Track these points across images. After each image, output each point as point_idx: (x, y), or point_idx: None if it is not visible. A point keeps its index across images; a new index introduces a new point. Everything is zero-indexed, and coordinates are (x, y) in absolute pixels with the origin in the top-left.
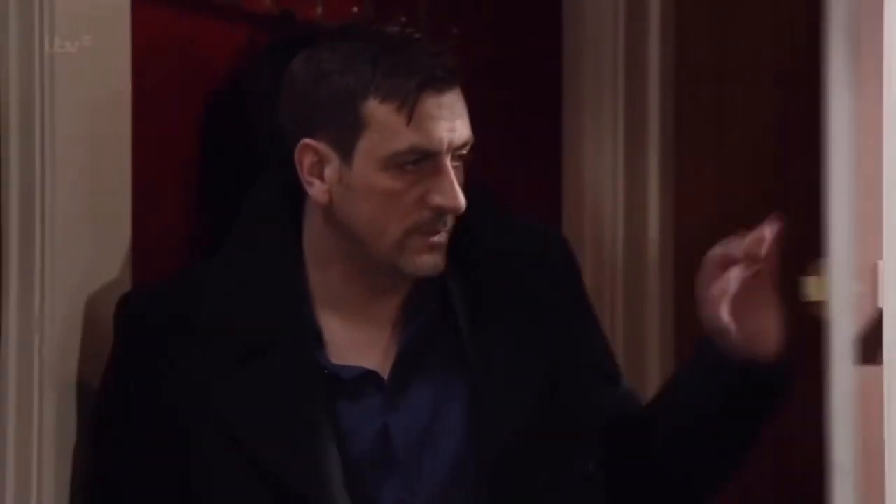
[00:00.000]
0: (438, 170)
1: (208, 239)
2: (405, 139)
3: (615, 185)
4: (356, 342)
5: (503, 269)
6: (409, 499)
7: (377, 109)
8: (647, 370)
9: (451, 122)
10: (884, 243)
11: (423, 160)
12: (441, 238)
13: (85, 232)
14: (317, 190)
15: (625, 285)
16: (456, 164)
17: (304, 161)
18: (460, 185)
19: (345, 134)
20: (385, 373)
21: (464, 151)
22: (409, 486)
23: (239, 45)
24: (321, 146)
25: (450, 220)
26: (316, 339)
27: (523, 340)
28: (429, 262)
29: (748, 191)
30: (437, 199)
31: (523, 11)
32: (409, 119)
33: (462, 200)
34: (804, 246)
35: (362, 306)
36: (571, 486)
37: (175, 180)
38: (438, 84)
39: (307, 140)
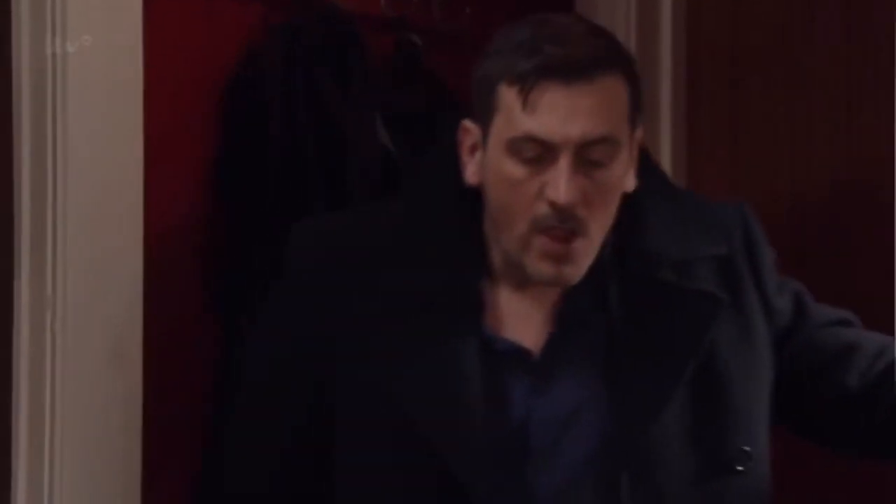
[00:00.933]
0: (555, 162)
1: (222, 226)
2: (521, 125)
3: None
4: (514, 316)
5: (665, 250)
6: (536, 489)
7: (506, 92)
8: None
9: (573, 114)
10: None
11: (545, 151)
12: (557, 245)
13: (97, 220)
14: (469, 170)
15: None
16: (585, 165)
17: (464, 141)
18: (591, 187)
19: (485, 116)
20: (537, 350)
21: (595, 151)
22: (540, 477)
23: (253, 26)
24: (474, 128)
25: (578, 224)
26: (478, 307)
27: (674, 329)
28: (547, 270)
29: (763, 167)
30: (549, 192)
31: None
32: (524, 104)
33: (569, 196)
34: None
35: (526, 281)
36: (719, 475)
37: (188, 168)
38: (564, 72)
39: (465, 121)
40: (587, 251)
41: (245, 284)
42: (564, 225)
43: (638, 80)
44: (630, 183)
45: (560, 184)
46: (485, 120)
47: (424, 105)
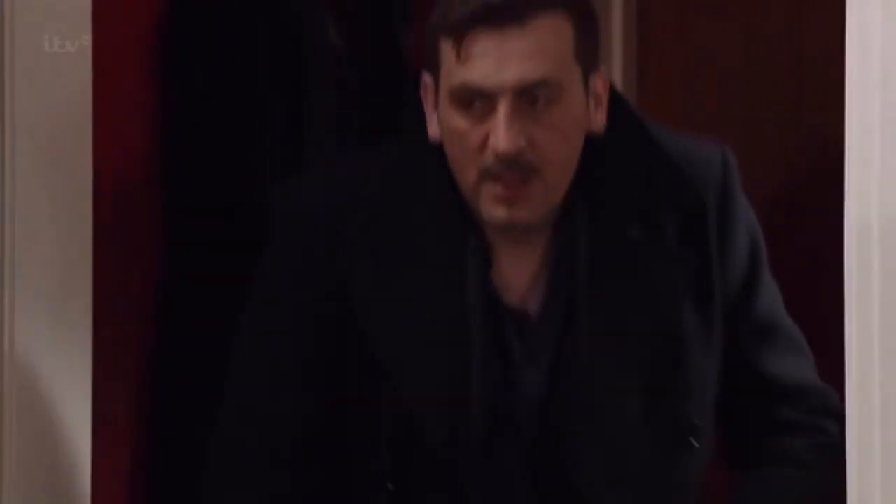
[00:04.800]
0: (494, 110)
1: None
2: (458, 75)
3: None
4: (508, 267)
5: (632, 202)
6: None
7: (444, 44)
8: None
9: (506, 60)
10: None
11: (484, 100)
12: (511, 190)
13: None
14: (431, 125)
15: None
16: (529, 109)
17: (425, 95)
18: (538, 130)
19: (433, 69)
20: (529, 306)
21: (536, 94)
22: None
23: None
24: (430, 82)
25: (530, 168)
26: (484, 258)
27: (638, 298)
28: (500, 213)
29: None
30: (490, 141)
31: None
32: (458, 54)
33: (509, 144)
34: None
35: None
36: (673, 447)
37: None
38: (495, 17)
39: (425, 75)
40: (545, 193)
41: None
42: (512, 172)
43: (591, 16)
44: (597, 123)
45: (499, 132)
46: (434, 73)
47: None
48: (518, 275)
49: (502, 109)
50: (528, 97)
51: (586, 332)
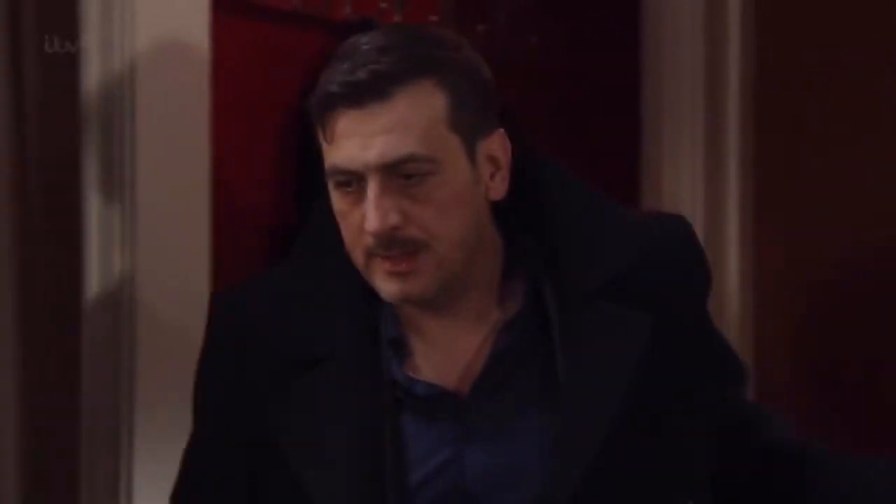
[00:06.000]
0: (364, 190)
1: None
2: (328, 157)
3: (694, 196)
4: (437, 349)
5: (599, 263)
6: None
7: (316, 125)
8: None
9: (370, 138)
10: None
11: (355, 180)
12: (399, 266)
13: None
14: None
15: None
16: (401, 184)
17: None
18: (413, 205)
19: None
20: (465, 387)
21: (406, 169)
22: None
23: (317, 53)
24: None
25: (411, 244)
26: (395, 347)
27: (616, 354)
28: (391, 288)
29: (831, 204)
30: (365, 223)
31: (601, 19)
32: (325, 136)
33: (377, 224)
34: None
35: (444, 307)
36: None
37: (255, 185)
38: (356, 94)
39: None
40: (437, 265)
41: None
42: (393, 249)
43: (471, 78)
44: (495, 190)
45: (369, 213)
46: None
47: None
48: (448, 354)
49: (371, 189)
50: (399, 173)
51: (562, 407)
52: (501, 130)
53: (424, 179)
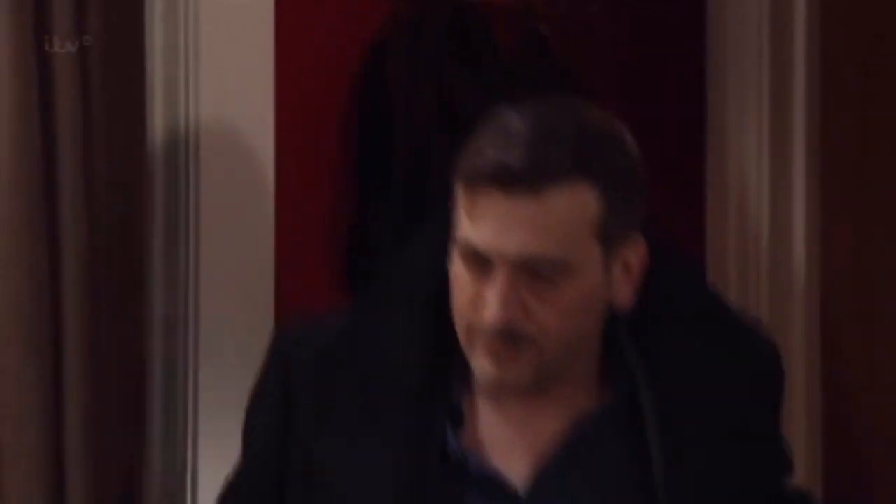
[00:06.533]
0: (494, 274)
1: (353, 242)
2: (464, 229)
3: (760, 189)
4: (510, 426)
5: (698, 369)
6: None
7: (459, 190)
8: (791, 391)
9: (511, 230)
10: None
11: (485, 260)
12: (505, 351)
13: (229, 237)
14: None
15: (770, 304)
16: (531, 279)
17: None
18: (537, 304)
19: (454, 207)
20: (530, 471)
21: (540, 269)
22: None
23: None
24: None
25: (522, 338)
26: (454, 415)
27: (717, 463)
28: (489, 370)
29: None
30: (483, 308)
31: (666, 12)
32: (464, 205)
33: (498, 318)
34: None
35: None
36: None
37: (320, 175)
38: (506, 178)
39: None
40: (540, 362)
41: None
42: (502, 339)
43: (628, 185)
44: (621, 299)
45: (491, 302)
46: (454, 211)
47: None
48: (521, 434)
49: (499, 279)
50: (531, 269)
51: None
52: (641, 239)
53: (555, 281)
